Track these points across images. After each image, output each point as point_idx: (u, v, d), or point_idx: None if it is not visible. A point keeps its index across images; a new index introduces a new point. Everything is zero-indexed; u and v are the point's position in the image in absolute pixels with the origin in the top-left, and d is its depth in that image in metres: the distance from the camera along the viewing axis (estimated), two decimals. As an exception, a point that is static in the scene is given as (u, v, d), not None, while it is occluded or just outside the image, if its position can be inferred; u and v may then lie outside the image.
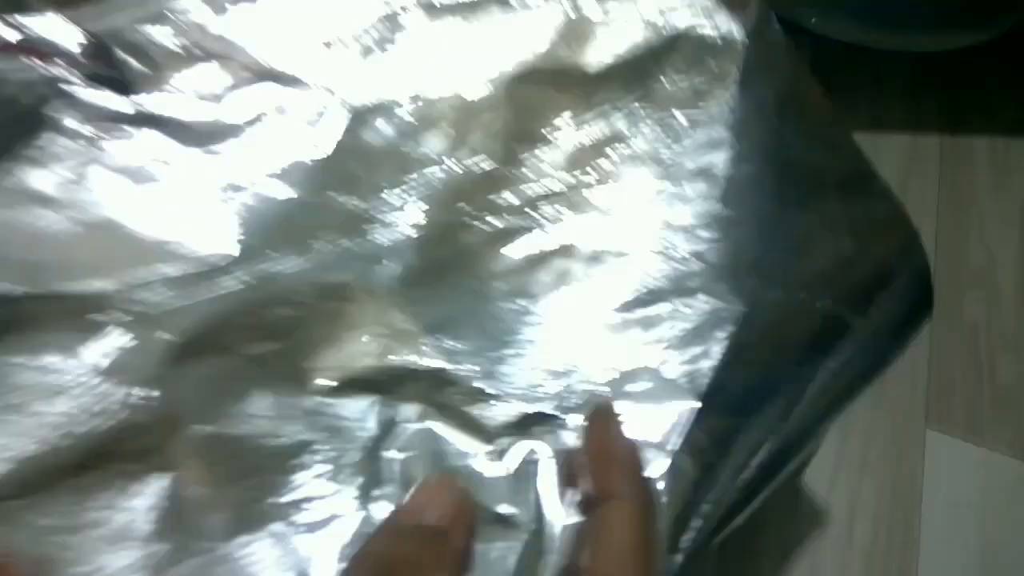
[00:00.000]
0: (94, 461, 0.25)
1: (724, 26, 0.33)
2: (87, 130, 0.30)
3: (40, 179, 0.29)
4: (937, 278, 0.47)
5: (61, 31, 0.31)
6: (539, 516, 0.25)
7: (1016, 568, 0.39)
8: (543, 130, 0.32)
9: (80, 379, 0.26)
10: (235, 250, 0.28)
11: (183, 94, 0.31)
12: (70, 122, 0.30)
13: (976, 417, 0.43)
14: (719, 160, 0.31)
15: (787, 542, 0.39)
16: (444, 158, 0.31)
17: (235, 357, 0.27)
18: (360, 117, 0.31)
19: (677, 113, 0.32)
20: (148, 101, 0.31)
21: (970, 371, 0.45)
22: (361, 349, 0.27)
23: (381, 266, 0.28)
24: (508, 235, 0.30)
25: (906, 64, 0.56)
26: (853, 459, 0.42)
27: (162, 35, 0.32)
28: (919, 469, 0.42)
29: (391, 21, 0.33)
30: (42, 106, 0.30)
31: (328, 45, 0.33)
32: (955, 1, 0.56)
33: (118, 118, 0.30)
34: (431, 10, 0.34)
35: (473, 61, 0.33)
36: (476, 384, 0.27)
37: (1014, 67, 0.56)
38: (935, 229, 0.49)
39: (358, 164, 0.30)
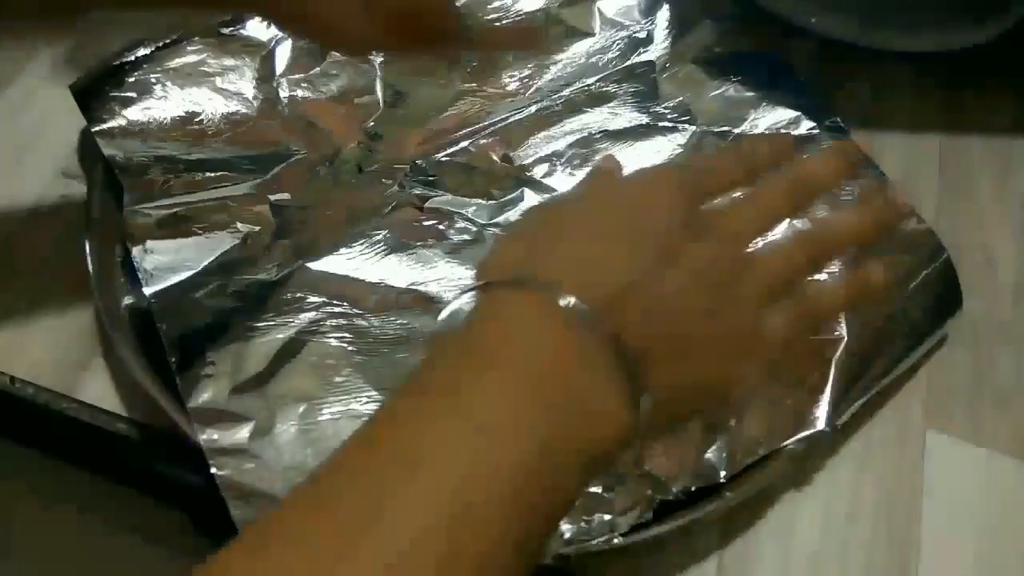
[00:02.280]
0: None
1: None
2: None
3: None
4: (937, 278, 0.47)
5: None
6: None
7: (1016, 568, 0.39)
8: None
9: None
10: None
11: None
12: None
13: (976, 417, 0.43)
14: None
15: (787, 542, 0.39)
16: None
17: None
18: None
19: None
20: None
21: (970, 371, 0.45)
22: None
23: None
24: None
25: (906, 64, 0.56)
26: (853, 459, 0.42)
27: None
28: (919, 469, 0.42)
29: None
30: None
31: None
32: (955, 1, 0.56)
33: None
34: None
35: None
36: None
37: (1014, 67, 0.56)
38: (935, 229, 0.49)
39: None
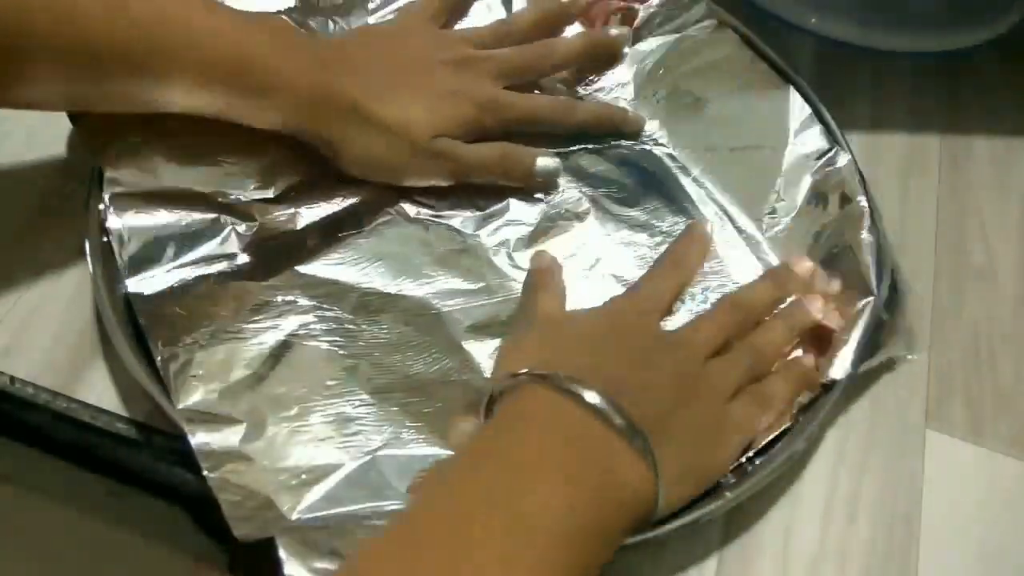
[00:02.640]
0: None
1: None
2: None
3: None
4: (937, 278, 0.47)
5: None
6: None
7: (1017, 568, 0.39)
8: None
9: None
10: None
11: None
12: None
13: (976, 417, 0.43)
14: None
15: (787, 542, 0.39)
16: None
17: None
18: None
19: None
20: None
21: (970, 371, 0.45)
22: None
23: None
24: None
25: (906, 64, 0.56)
26: (853, 459, 0.42)
27: None
28: (919, 469, 0.42)
29: None
30: None
31: None
32: (955, 1, 0.56)
33: None
34: None
35: None
36: None
37: (1014, 67, 0.56)
38: (935, 229, 0.49)
39: None
